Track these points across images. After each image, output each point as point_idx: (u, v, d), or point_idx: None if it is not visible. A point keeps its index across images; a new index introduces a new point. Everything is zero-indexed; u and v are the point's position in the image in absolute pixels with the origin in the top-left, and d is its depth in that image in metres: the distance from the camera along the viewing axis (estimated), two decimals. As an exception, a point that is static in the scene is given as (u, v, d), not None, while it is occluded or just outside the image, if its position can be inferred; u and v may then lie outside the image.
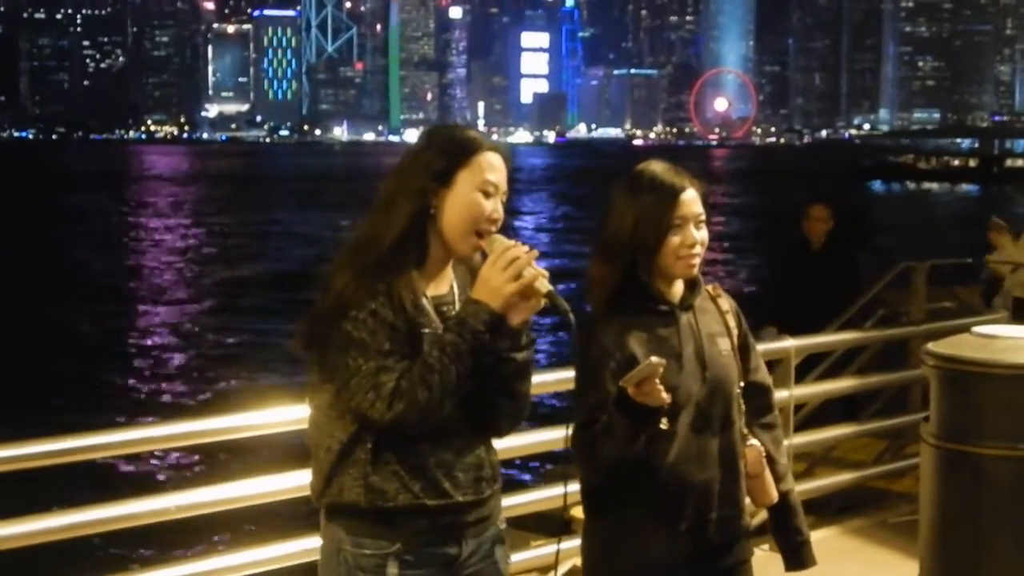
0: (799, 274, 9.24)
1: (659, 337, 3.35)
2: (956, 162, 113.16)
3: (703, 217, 3.41)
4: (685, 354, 3.37)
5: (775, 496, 3.59)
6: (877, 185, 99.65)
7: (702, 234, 3.41)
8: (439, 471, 3.03)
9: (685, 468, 3.36)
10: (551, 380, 5.44)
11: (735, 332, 3.52)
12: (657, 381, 3.10)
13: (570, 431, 3.22)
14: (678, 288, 3.45)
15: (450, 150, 3.07)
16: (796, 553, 3.65)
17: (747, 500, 3.56)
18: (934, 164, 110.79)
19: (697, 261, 3.41)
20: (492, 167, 3.08)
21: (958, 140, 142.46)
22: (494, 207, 3.07)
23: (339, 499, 3.03)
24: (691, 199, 3.39)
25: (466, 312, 2.97)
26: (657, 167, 3.44)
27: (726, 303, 3.55)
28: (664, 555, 3.39)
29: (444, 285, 3.14)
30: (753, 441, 3.57)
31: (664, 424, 3.27)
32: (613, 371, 3.27)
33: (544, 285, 2.99)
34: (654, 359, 3.08)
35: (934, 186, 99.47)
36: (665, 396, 3.13)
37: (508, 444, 5.39)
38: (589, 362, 3.37)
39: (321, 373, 3.04)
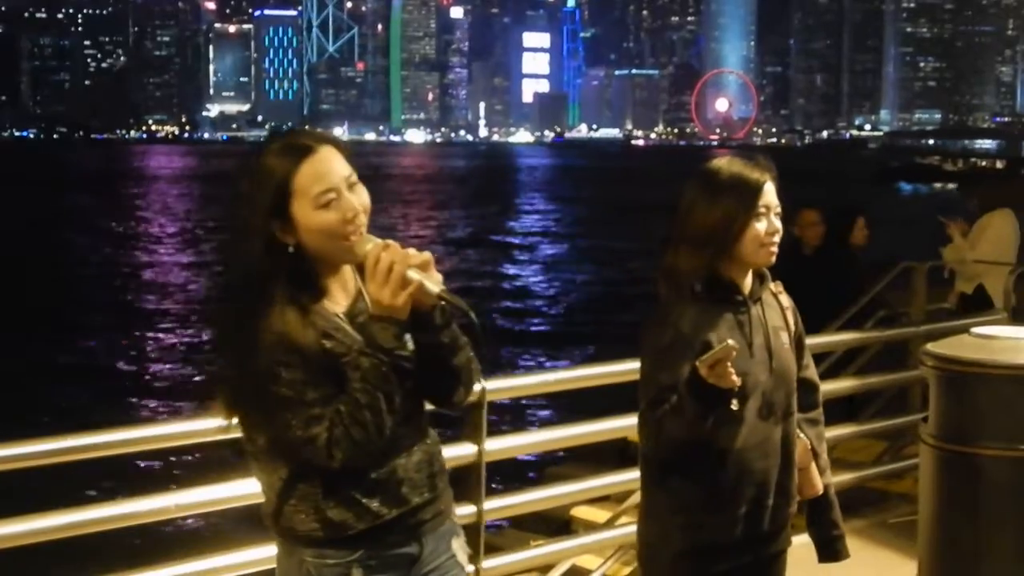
0: (792, 277, 9.17)
1: (732, 325, 3.43)
2: (983, 163, 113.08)
3: (779, 209, 3.51)
4: (755, 343, 3.47)
5: (820, 488, 3.71)
6: (904, 186, 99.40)
7: (779, 224, 3.51)
8: (393, 479, 2.99)
9: (749, 454, 3.45)
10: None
11: (792, 328, 3.63)
12: (729, 365, 3.18)
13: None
14: (748, 281, 3.54)
15: (267, 182, 2.90)
16: (831, 545, 3.83)
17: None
18: (960, 165, 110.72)
19: (776, 249, 3.51)
20: (318, 175, 2.90)
21: (986, 142, 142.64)
22: (347, 207, 2.91)
23: (294, 532, 2.98)
24: (772, 190, 3.49)
25: (372, 334, 2.87)
26: (735, 162, 3.51)
27: (786, 300, 3.66)
28: (719, 537, 3.47)
29: (351, 290, 3.04)
30: (801, 435, 3.65)
31: (735, 406, 3.33)
32: (689, 357, 3.31)
33: (433, 286, 2.88)
34: (730, 342, 3.16)
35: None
36: (736, 379, 3.21)
37: (509, 443, 5.41)
38: (664, 346, 3.43)
39: (248, 428, 2.97)
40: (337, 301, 2.99)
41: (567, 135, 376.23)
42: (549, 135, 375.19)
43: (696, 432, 3.31)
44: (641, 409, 3.45)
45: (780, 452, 3.52)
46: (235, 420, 2.97)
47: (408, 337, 2.90)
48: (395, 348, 2.86)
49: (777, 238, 3.49)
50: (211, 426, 4.56)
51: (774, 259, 3.52)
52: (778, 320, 3.58)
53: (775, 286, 3.63)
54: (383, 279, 2.83)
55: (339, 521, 2.93)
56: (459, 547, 3.21)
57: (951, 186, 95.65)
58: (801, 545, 6.93)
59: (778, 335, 3.55)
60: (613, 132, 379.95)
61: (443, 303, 2.92)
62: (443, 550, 3.14)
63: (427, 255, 2.88)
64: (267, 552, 4.53)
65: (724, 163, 3.52)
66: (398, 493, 2.99)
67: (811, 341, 7.17)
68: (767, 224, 3.46)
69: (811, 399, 3.72)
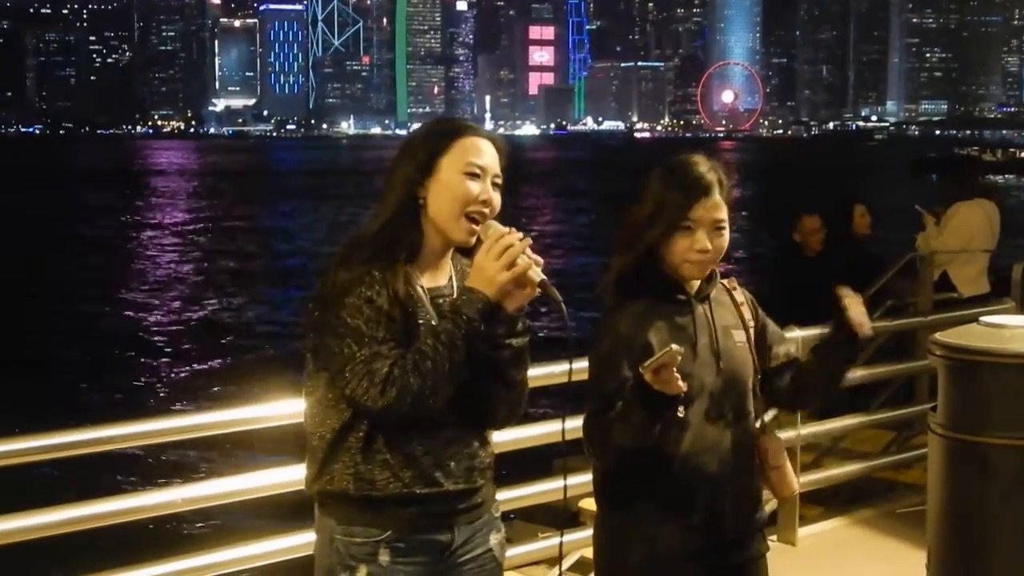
0: (796, 281, 9.15)
1: (675, 326, 3.32)
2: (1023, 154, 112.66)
3: (721, 224, 3.35)
4: (700, 344, 3.36)
5: (795, 488, 3.59)
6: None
7: (718, 240, 3.35)
8: (429, 460, 3.03)
9: (698, 459, 3.34)
10: (558, 372, 5.42)
11: (751, 324, 3.49)
12: (675, 369, 3.10)
13: (565, 424, 3.20)
14: (695, 279, 3.43)
15: (432, 138, 3.10)
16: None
17: (765, 493, 3.55)
18: (1000, 156, 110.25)
19: (706, 267, 3.38)
20: (477, 150, 3.07)
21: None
22: (482, 189, 3.06)
23: (329, 487, 3.04)
24: (711, 204, 3.34)
25: (460, 300, 2.96)
26: (693, 163, 3.39)
27: (741, 295, 3.52)
28: (676, 548, 3.36)
29: (442, 277, 3.13)
30: (773, 432, 3.57)
31: (681, 412, 3.25)
32: (629, 359, 3.25)
33: (537, 274, 2.98)
34: (674, 347, 3.06)
35: (999, 178, 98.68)
36: (682, 384, 3.11)
37: (508, 436, 5.39)
38: (604, 349, 3.36)
39: (316, 361, 3.05)
40: (426, 276, 3.09)
41: (570, 127, 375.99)
42: (563, 128, 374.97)
43: (643, 439, 3.22)
44: (585, 418, 3.35)
45: (736, 456, 3.40)
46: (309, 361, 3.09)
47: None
48: (475, 319, 2.93)
49: (709, 256, 3.34)
50: (217, 420, 4.60)
51: (702, 275, 3.38)
52: (730, 318, 3.45)
53: (729, 282, 3.52)
54: (498, 253, 2.94)
55: (369, 479, 3.00)
56: (497, 543, 3.24)
57: (990, 177, 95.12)
58: (809, 535, 6.92)
59: (729, 334, 3.42)
60: (617, 124, 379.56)
61: (541, 292, 3.00)
62: (479, 543, 3.17)
63: (541, 260, 3.01)
64: (274, 546, 4.57)
65: (668, 167, 3.41)
66: (430, 475, 3.03)
67: (818, 331, 7.15)
68: (692, 240, 3.33)
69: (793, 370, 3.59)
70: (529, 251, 2.98)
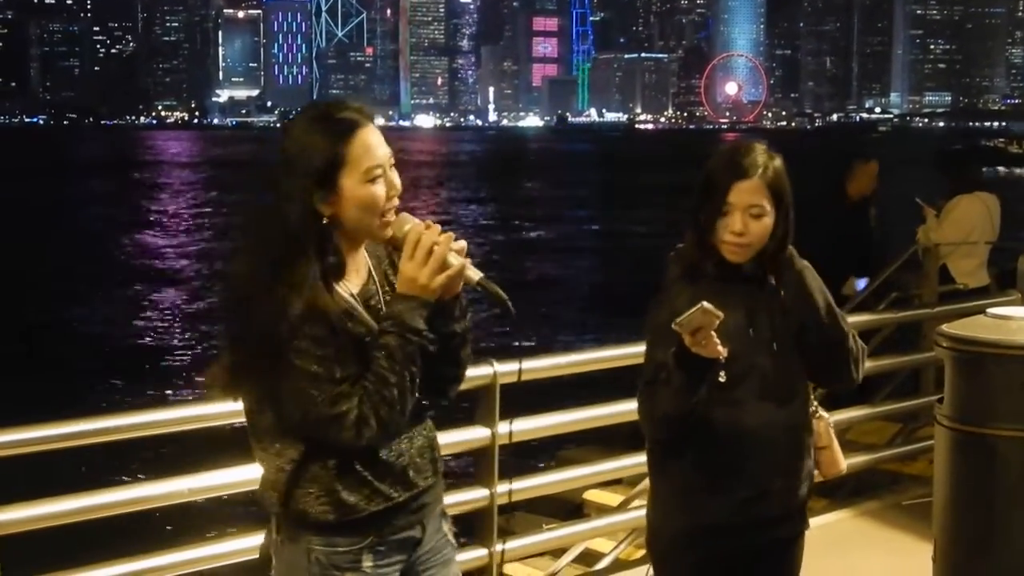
0: (842, 228, 9.44)
1: (731, 306, 3.33)
2: None
3: (759, 210, 3.39)
4: (756, 325, 3.41)
5: (843, 467, 3.68)
6: None
7: (755, 224, 3.39)
8: (400, 462, 2.99)
9: (749, 437, 3.40)
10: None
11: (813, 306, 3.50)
12: (713, 333, 3.16)
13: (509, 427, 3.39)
14: (758, 269, 3.46)
15: (321, 148, 2.87)
16: None
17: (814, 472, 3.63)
18: None
19: (743, 251, 3.41)
20: (369, 148, 2.90)
21: None
22: (390, 184, 2.93)
23: (304, 517, 2.94)
24: (746, 187, 3.39)
25: (401, 312, 2.86)
26: (743, 146, 3.46)
27: (810, 277, 3.51)
28: (720, 521, 3.44)
29: (363, 273, 3.02)
30: (823, 413, 3.63)
31: (722, 377, 3.32)
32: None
33: (474, 273, 2.91)
34: (705, 304, 3.10)
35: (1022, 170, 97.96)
36: (721, 349, 3.19)
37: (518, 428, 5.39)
38: (658, 324, 3.42)
39: (257, 402, 2.92)
40: (351, 282, 2.96)
41: (572, 119, 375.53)
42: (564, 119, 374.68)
43: (685, 404, 3.29)
44: (639, 387, 3.44)
45: (786, 435, 3.46)
46: (238, 398, 2.96)
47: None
48: (423, 329, 2.86)
49: (745, 239, 3.39)
50: (222, 410, 4.61)
51: (741, 259, 3.42)
52: (791, 301, 3.48)
53: (799, 263, 3.51)
54: (423, 258, 2.84)
55: (351, 503, 2.91)
56: (448, 527, 3.23)
57: (1018, 170, 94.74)
58: (815, 527, 6.93)
59: (787, 317, 3.46)
60: (619, 116, 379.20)
61: (479, 289, 2.92)
62: (436, 529, 3.16)
63: (463, 243, 2.90)
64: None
65: (722, 150, 3.47)
66: (406, 476, 3.00)
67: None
68: (730, 222, 3.39)
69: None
70: (454, 243, 2.88)
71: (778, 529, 3.53)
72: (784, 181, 3.46)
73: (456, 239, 2.89)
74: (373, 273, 3.03)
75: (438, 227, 2.88)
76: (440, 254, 2.84)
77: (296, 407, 2.83)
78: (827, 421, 3.63)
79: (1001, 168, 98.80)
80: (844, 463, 3.69)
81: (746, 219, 3.38)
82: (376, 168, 2.89)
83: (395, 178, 2.94)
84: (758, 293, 3.45)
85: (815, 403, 3.62)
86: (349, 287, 2.94)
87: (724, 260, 3.43)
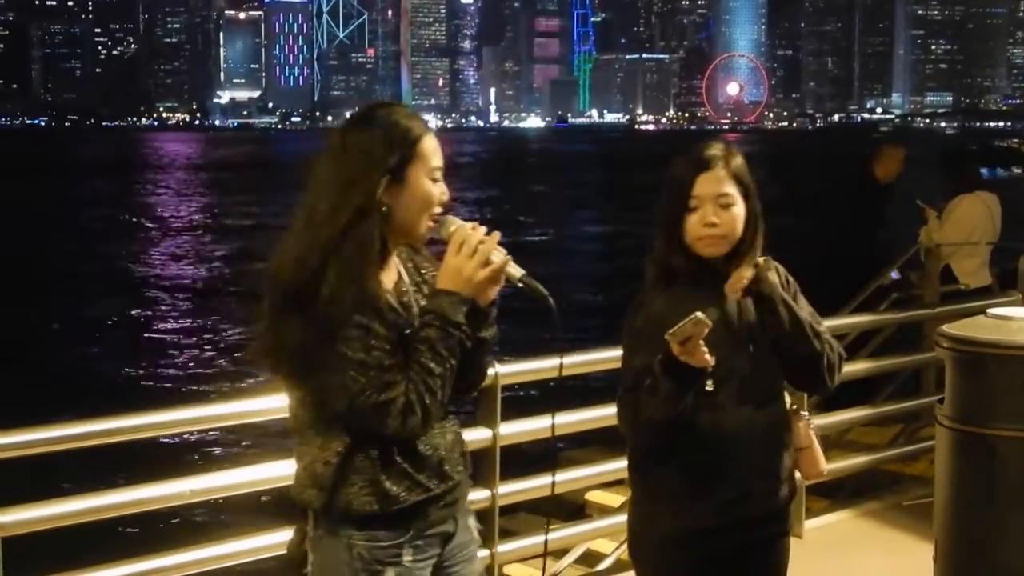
0: (873, 209, 9.57)
1: (706, 309, 3.30)
2: None
3: (727, 199, 3.40)
4: (733, 328, 3.41)
5: (824, 468, 3.66)
6: (982, 171, 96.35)
7: (726, 215, 3.40)
8: (436, 456, 3.06)
9: (729, 440, 3.40)
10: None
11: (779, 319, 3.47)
12: (701, 343, 3.16)
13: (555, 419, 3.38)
14: (732, 265, 3.46)
15: (397, 143, 3.01)
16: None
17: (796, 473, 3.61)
18: None
19: (719, 242, 3.41)
20: (436, 152, 3.07)
21: None
22: (442, 190, 3.07)
23: (349, 509, 2.99)
24: (712, 178, 3.41)
25: (443, 306, 2.96)
26: (702, 144, 3.48)
27: (775, 275, 3.52)
28: (701, 524, 3.44)
29: (393, 270, 3.11)
30: (803, 413, 3.62)
31: (709, 386, 3.32)
32: (660, 338, 3.26)
33: (516, 270, 3.01)
34: (699, 315, 3.11)
35: None
36: (708, 358, 3.19)
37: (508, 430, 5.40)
38: (636, 330, 3.44)
39: (301, 390, 3.01)
40: (385, 277, 3.06)
41: (575, 120, 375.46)
42: (564, 120, 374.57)
43: (671, 412, 3.29)
44: (618, 394, 3.45)
45: (766, 436, 3.47)
46: (287, 390, 3.04)
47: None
48: (464, 323, 2.95)
49: (719, 230, 3.39)
50: (225, 412, 4.60)
51: (718, 251, 3.42)
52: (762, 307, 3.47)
53: (764, 261, 3.51)
54: (469, 254, 2.96)
55: (394, 494, 2.98)
56: (474, 524, 3.29)
57: None
58: (816, 528, 6.92)
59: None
60: (618, 117, 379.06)
61: (521, 285, 3.02)
62: (464, 525, 3.22)
63: (504, 252, 3.02)
64: (283, 537, 4.61)
65: (680, 155, 3.49)
66: (442, 469, 3.07)
67: (825, 324, 7.17)
68: (700, 215, 3.39)
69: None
70: (498, 245, 3.00)
71: (761, 530, 3.51)
72: (747, 173, 3.46)
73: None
74: (401, 271, 3.12)
75: (483, 227, 3.01)
76: (485, 250, 2.95)
77: (343, 395, 2.90)
78: (807, 421, 3.61)
79: (1016, 169, 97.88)
80: (825, 464, 3.67)
81: (717, 210, 3.38)
82: (438, 170, 3.06)
83: (446, 189, 3.10)
84: (729, 296, 3.44)
85: (795, 403, 3.62)
86: (384, 281, 3.04)
87: (699, 260, 3.42)
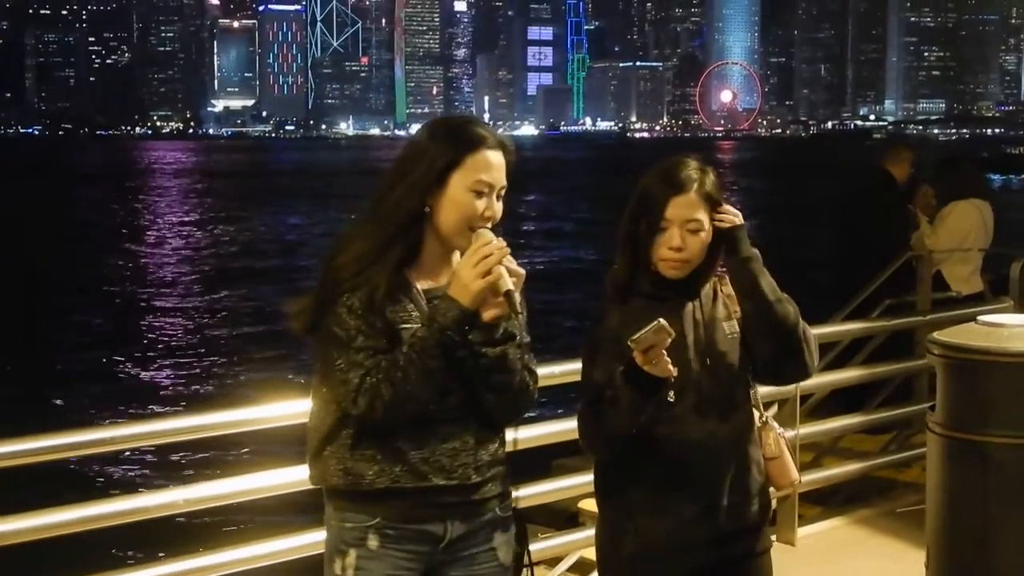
0: (890, 207, 9.68)
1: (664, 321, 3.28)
2: None
3: (696, 224, 3.37)
4: (689, 341, 3.38)
5: (795, 478, 3.59)
6: (994, 177, 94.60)
7: (692, 240, 3.37)
8: (419, 456, 3.09)
9: (690, 453, 3.36)
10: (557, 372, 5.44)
11: (738, 315, 3.47)
12: (664, 352, 3.14)
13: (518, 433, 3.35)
14: (690, 280, 3.44)
15: (447, 149, 3.10)
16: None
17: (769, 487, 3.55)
18: None
19: (681, 266, 3.39)
20: (488, 166, 3.11)
21: None
22: (487, 205, 3.10)
23: (323, 482, 3.15)
24: (684, 202, 3.37)
25: (436, 308, 3.03)
26: (676, 162, 3.45)
27: (728, 287, 3.51)
28: (667, 540, 3.39)
29: (443, 277, 3.16)
30: (772, 423, 3.57)
31: (671, 397, 3.31)
32: (617, 352, 3.27)
33: (505, 284, 3.01)
34: (662, 321, 3.10)
35: None
36: (671, 368, 3.17)
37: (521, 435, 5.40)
38: (595, 342, 3.43)
39: (316, 361, 3.16)
40: (425, 278, 3.14)
41: (569, 127, 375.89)
42: (556, 128, 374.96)
43: (634, 423, 3.27)
44: (579, 409, 3.42)
45: (730, 450, 3.42)
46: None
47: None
48: (447, 326, 2.99)
49: (684, 255, 3.37)
50: (218, 421, 4.59)
51: (680, 274, 3.40)
52: (721, 311, 3.46)
53: (719, 277, 3.51)
54: (476, 260, 3.00)
55: (357, 473, 3.08)
56: (503, 542, 3.27)
57: None
58: (809, 535, 6.93)
59: (719, 328, 3.43)
60: (610, 125, 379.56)
61: (507, 299, 3.03)
62: (481, 541, 3.21)
63: (522, 271, 3.07)
64: (277, 546, 4.58)
65: (656, 166, 3.46)
66: (419, 469, 3.09)
67: (817, 332, 7.15)
68: (667, 238, 3.37)
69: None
70: (510, 260, 3.03)
71: (732, 547, 3.44)
72: (718, 191, 3.44)
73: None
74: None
75: (503, 242, 3.05)
76: (490, 261, 2.99)
77: (323, 365, 3.09)
78: (776, 431, 3.56)
79: None
80: (796, 474, 3.59)
81: (684, 234, 3.36)
82: (484, 184, 3.09)
83: (498, 206, 3.14)
84: (687, 306, 3.42)
85: (765, 413, 3.57)
86: (419, 280, 3.13)
87: (660, 278, 3.41)
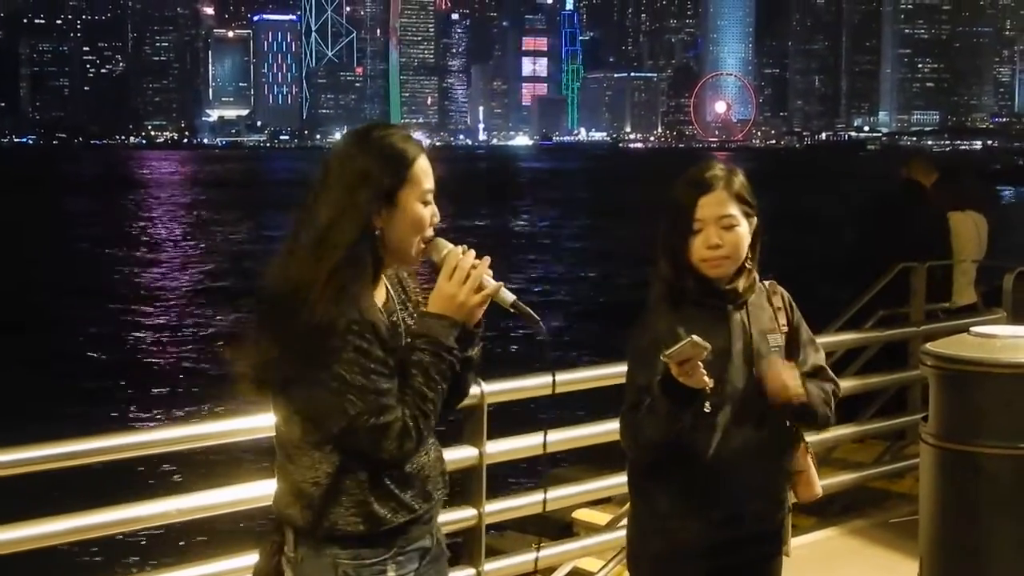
0: (919, 215, 9.72)
1: (711, 331, 3.33)
2: None
3: (730, 220, 3.43)
4: (734, 350, 3.43)
5: (819, 492, 3.66)
6: (1005, 190, 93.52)
7: (729, 236, 3.42)
8: (423, 475, 3.11)
9: (726, 460, 3.42)
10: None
11: (785, 328, 3.55)
12: (700, 364, 3.17)
13: (548, 437, 3.37)
14: (740, 283, 3.49)
15: (392, 169, 3.02)
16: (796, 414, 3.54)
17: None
18: None
19: (724, 264, 3.44)
20: (428, 174, 3.07)
21: None
22: (433, 211, 3.08)
23: (334, 530, 3.01)
24: (713, 200, 3.43)
25: (435, 331, 2.98)
26: (702, 165, 3.50)
27: (779, 300, 3.57)
28: (695, 542, 3.47)
29: (382, 291, 3.12)
30: (802, 437, 3.62)
31: (708, 408, 3.35)
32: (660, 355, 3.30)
33: (507, 296, 3.03)
34: (695, 338, 3.12)
35: None
36: (707, 380, 3.20)
37: (498, 448, 5.41)
38: (640, 349, 3.46)
39: (290, 405, 3.00)
40: (376, 298, 3.07)
41: (564, 138, 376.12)
42: (549, 139, 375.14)
43: (670, 432, 3.32)
44: (622, 411, 3.48)
45: (763, 458, 3.49)
46: (274, 408, 3.05)
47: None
48: (455, 348, 2.98)
49: (723, 251, 3.43)
50: (212, 430, 4.59)
51: (722, 272, 3.45)
52: (767, 322, 3.52)
53: (770, 285, 3.58)
54: (462, 280, 2.98)
55: (380, 515, 3.01)
56: (442, 537, 3.32)
57: None
58: (803, 545, 6.94)
59: (764, 339, 3.49)
60: (603, 135, 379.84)
61: (512, 311, 3.05)
62: (441, 540, 3.29)
63: (496, 283, 3.04)
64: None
65: (681, 176, 3.51)
66: (425, 488, 3.11)
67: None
68: (704, 238, 3.42)
69: (815, 375, 3.61)
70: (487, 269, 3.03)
71: (753, 550, 3.54)
72: (749, 191, 3.49)
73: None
74: (390, 289, 3.13)
75: (473, 252, 3.03)
76: (477, 276, 2.98)
77: (340, 418, 2.91)
78: (805, 444, 3.62)
79: None
80: (819, 487, 3.66)
81: (720, 231, 3.41)
82: (429, 193, 3.06)
83: (437, 212, 3.11)
84: (736, 315, 3.47)
85: (795, 426, 3.60)
86: (375, 302, 3.05)
87: (704, 280, 3.45)
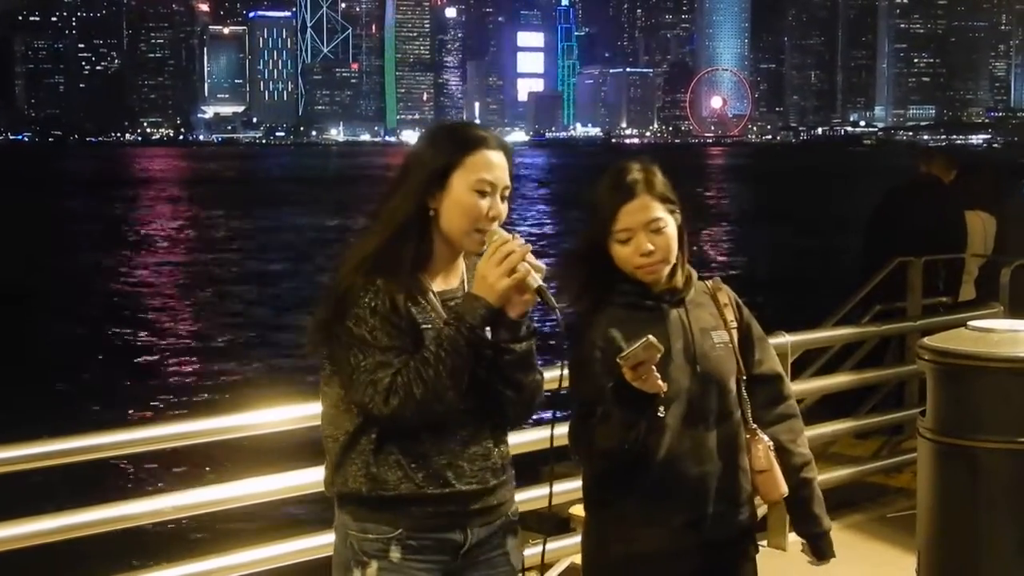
0: (939, 201, 9.72)
1: (648, 331, 3.22)
2: None
3: (657, 223, 3.34)
4: (674, 349, 3.34)
5: (784, 491, 3.54)
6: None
7: (659, 239, 3.34)
8: (442, 461, 3.09)
9: (679, 462, 3.35)
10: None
11: (734, 325, 3.48)
12: (654, 368, 3.11)
13: (554, 430, 3.24)
14: (673, 282, 3.42)
15: (446, 150, 3.12)
16: (813, 543, 3.74)
17: (756, 495, 3.54)
18: None
19: (658, 267, 3.37)
20: (488, 165, 3.12)
21: None
22: (491, 205, 3.11)
23: (344, 488, 3.11)
24: (637, 207, 3.34)
25: (463, 307, 3.03)
26: (618, 168, 3.41)
27: (725, 296, 3.51)
28: (654, 548, 3.37)
29: (454, 279, 3.20)
30: (761, 435, 3.52)
31: (661, 412, 3.28)
32: (604, 364, 3.26)
33: (535, 280, 3.05)
34: (651, 338, 3.06)
35: None
36: (661, 383, 3.13)
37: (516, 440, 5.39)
38: (580, 356, 3.38)
39: (330, 368, 3.13)
40: (437, 280, 3.16)
41: (559, 134, 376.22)
42: (546, 134, 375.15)
43: (625, 439, 3.24)
44: (570, 423, 3.39)
45: (719, 457, 3.39)
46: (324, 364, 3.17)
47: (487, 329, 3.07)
48: (477, 325, 3.01)
49: (656, 256, 3.34)
50: (213, 427, 4.59)
51: (657, 276, 3.38)
52: (710, 320, 3.44)
53: (713, 283, 3.50)
54: (499, 260, 3.02)
55: (382, 479, 3.06)
56: (513, 546, 3.28)
57: None
58: (799, 541, 6.93)
59: (707, 336, 3.41)
60: (596, 131, 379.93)
61: (539, 298, 3.08)
62: (496, 545, 3.23)
63: (543, 265, 3.09)
64: (279, 549, 4.60)
65: (618, 166, 3.42)
66: (442, 474, 3.09)
67: (808, 336, 7.14)
68: (634, 246, 3.34)
69: (772, 393, 3.57)
70: (531, 257, 3.05)
71: (718, 555, 3.44)
72: (669, 188, 3.40)
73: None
74: (465, 282, 3.22)
75: (521, 239, 3.08)
76: (514, 259, 3.02)
77: (344, 370, 3.05)
78: (766, 444, 3.51)
79: None
80: (785, 487, 3.55)
81: (650, 236, 3.33)
82: (486, 184, 3.11)
83: (502, 207, 3.15)
84: (671, 313, 3.40)
85: (753, 424, 3.51)
86: (432, 283, 3.14)
87: (638, 284, 3.38)
